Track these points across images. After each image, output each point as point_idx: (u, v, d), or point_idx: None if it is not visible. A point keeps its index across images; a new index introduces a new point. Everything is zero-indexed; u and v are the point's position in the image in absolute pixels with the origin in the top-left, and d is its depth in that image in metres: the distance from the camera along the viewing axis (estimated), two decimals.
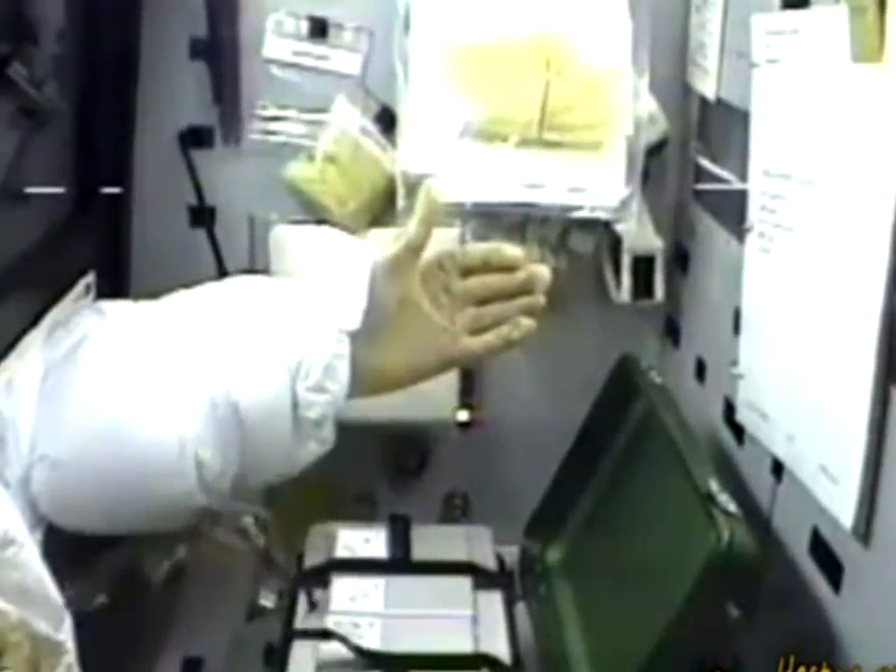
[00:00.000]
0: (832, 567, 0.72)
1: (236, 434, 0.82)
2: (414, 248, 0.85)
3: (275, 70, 1.07)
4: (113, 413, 0.81)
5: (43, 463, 0.79)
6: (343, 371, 0.83)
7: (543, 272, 0.86)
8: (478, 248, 0.88)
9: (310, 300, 0.86)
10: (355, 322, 0.83)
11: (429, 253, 0.86)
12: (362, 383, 0.83)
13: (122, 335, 0.86)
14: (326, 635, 0.85)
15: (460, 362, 0.91)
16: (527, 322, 0.86)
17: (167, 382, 0.82)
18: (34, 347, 0.80)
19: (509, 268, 0.87)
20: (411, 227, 0.85)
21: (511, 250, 0.87)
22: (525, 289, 0.86)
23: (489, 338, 0.87)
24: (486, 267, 0.87)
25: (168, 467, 0.81)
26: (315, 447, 0.84)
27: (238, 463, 0.83)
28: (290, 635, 0.86)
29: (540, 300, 0.87)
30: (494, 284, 0.87)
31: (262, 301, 0.87)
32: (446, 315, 0.87)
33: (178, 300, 0.90)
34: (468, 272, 0.87)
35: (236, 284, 0.92)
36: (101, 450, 0.80)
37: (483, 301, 0.87)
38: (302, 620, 0.89)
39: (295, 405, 0.82)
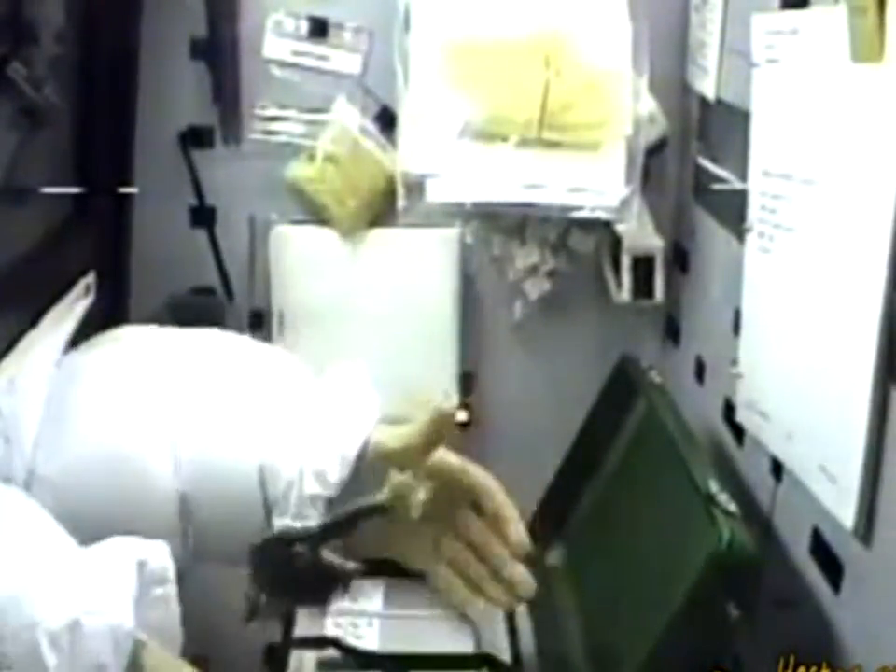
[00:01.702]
0: (832, 568, 0.72)
1: (190, 517, 0.82)
2: (411, 454, 0.83)
3: (275, 70, 1.08)
4: (112, 447, 0.81)
5: (39, 482, 0.79)
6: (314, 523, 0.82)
7: (529, 586, 0.84)
8: (496, 501, 0.85)
9: (300, 435, 0.84)
10: (329, 490, 0.82)
11: (454, 465, 0.85)
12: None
13: (135, 368, 0.85)
14: (323, 643, 0.85)
15: (420, 573, 0.89)
16: (486, 610, 0.86)
17: (166, 428, 0.82)
18: (37, 348, 0.80)
19: (508, 544, 0.85)
20: (414, 431, 0.83)
21: (520, 533, 0.85)
22: (509, 581, 0.85)
23: (459, 589, 0.86)
24: (493, 519, 0.85)
25: (159, 510, 0.81)
26: None
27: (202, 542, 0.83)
28: (289, 642, 0.86)
29: (512, 607, 0.86)
30: (490, 549, 0.85)
31: (266, 407, 0.85)
32: (435, 530, 0.86)
33: (202, 349, 0.89)
34: (476, 505, 0.86)
35: (257, 362, 0.90)
36: (95, 481, 0.80)
37: (471, 545, 0.86)
38: (302, 621, 0.89)
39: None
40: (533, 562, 0.86)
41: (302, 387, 0.88)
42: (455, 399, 0.86)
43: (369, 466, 0.83)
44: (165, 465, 0.81)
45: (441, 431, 0.83)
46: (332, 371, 0.90)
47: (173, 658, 0.66)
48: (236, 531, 0.82)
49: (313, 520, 0.82)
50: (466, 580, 0.86)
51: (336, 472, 0.82)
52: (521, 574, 0.84)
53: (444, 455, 0.85)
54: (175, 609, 0.67)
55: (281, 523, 0.82)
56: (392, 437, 0.84)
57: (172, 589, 0.67)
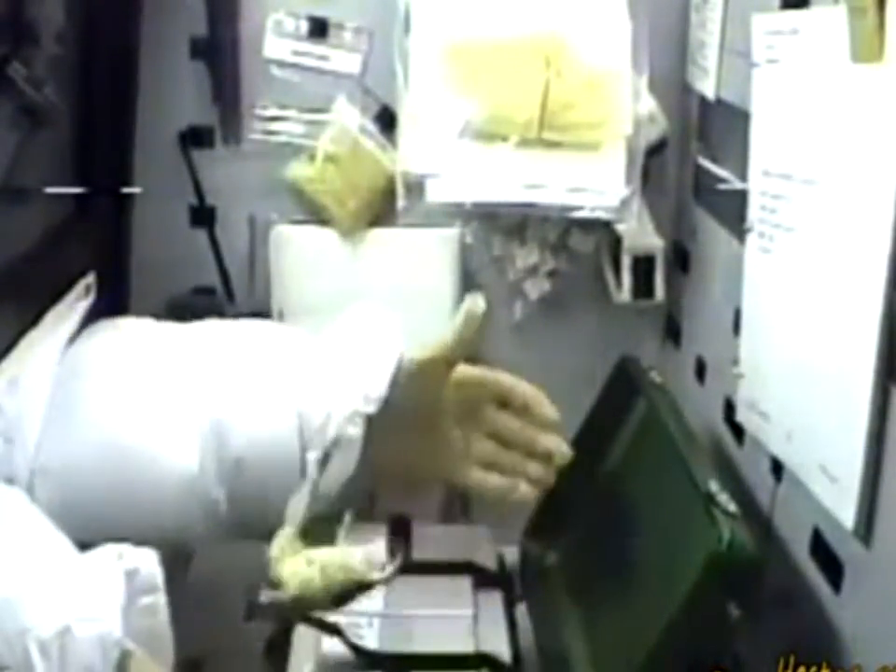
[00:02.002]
0: (832, 567, 0.72)
1: (237, 484, 0.82)
2: (447, 362, 0.85)
3: (275, 70, 1.07)
4: (118, 435, 0.81)
5: (44, 474, 0.79)
6: (353, 456, 0.82)
7: (565, 451, 0.86)
8: (523, 390, 0.87)
9: (331, 367, 0.85)
10: (371, 406, 0.82)
11: (476, 371, 0.86)
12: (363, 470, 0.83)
13: (138, 356, 0.85)
14: (326, 626, 0.85)
15: (455, 486, 0.90)
16: (527, 491, 0.86)
17: (178, 413, 0.82)
18: (38, 347, 0.80)
19: (539, 423, 0.86)
20: (447, 339, 0.84)
21: (550, 410, 0.87)
22: (544, 455, 0.86)
23: (495, 481, 0.86)
24: (522, 409, 0.86)
25: (169, 499, 0.81)
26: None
27: (235, 509, 0.83)
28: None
29: (551, 478, 0.86)
30: (521, 433, 0.86)
31: (286, 357, 0.86)
32: (464, 435, 0.87)
33: (205, 330, 0.89)
34: (503, 403, 0.87)
35: (264, 331, 0.91)
36: (102, 471, 0.80)
37: (501, 440, 0.87)
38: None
39: (302, 471, 0.82)
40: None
41: (318, 334, 0.89)
42: (481, 302, 0.87)
43: (404, 380, 0.84)
44: (190, 444, 0.81)
45: (473, 330, 0.84)
46: (350, 310, 0.91)
47: (160, 668, 0.66)
48: (275, 491, 0.82)
49: (353, 441, 0.82)
50: (500, 471, 0.87)
51: (377, 388, 0.82)
52: (556, 442, 0.86)
53: (466, 368, 0.87)
54: (164, 618, 0.67)
55: (313, 456, 0.82)
56: (425, 348, 0.85)
57: (161, 598, 0.67)
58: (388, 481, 0.90)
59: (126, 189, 1.06)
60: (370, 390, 0.82)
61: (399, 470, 0.88)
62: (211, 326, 0.91)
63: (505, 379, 0.88)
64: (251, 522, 0.84)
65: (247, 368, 0.85)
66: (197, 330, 0.89)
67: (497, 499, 0.88)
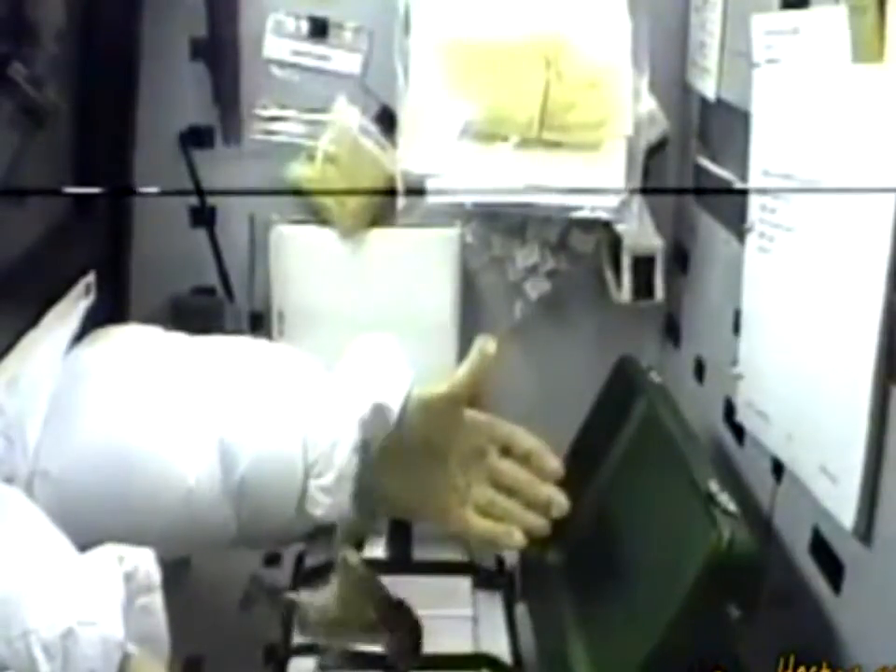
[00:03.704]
0: (832, 567, 0.72)
1: (238, 501, 0.82)
2: (455, 399, 0.85)
3: (275, 70, 1.07)
4: (120, 444, 0.81)
5: (44, 476, 0.79)
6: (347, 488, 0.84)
7: (563, 503, 0.86)
8: (527, 440, 0.89)
9: (340, 396, 0.86)
10: (378, 438, 0.83)
11: (482, 417, 0.88)
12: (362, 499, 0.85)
13: (144, 366, 0.86)
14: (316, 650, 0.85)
15: (450, 529, 0.91)
16: (520, 539, 0.87)
17: (182, 427, 0.82)
18: (38, 347, 0.80)
19: (540, 473, 0.87)
20: (458, 375, 0.85)
21: (554, 462, 0.88)
22: (542, 504, 0.87)
23: (490, 526, 0.87)
24: (523, 458, 0.88)
25: (171, 508, 0.81)
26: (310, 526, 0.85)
27: (236, 523, 0.83)
28: (288, 649, 0.86)
29: (546, 528, 0.87)
30: (521, 482, 0.87)
31: (295, 382, 0.87)
32: (465, 480, 0.87)
33: (213, 345, 0.90)
34: (505, 450, 0.88)
35: (273, 352, 0.92)
36: (101, 478, 0.80)
37: (500, 486, 0.88)
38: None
39: (304, 496, 0.83)
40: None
41: (318, 370, 0.89)
42: (493, 343, 0.87)
43: (412, 415, 0.84)
44: (191, 458, 0.81)
45: (483, 371, 0.85)
46: (360, 341, 0.92)
47: (157, 668, 0.66)
48: (272, 510, 0.83)
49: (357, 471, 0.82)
50: (495, 517, 0.88)
51: (385, 421, 0.83)
52: (554, 493, 0.87)
53: (474, 414, 0.88)
54: (160, 618, 0.68)
55: (317, 485, 0.82)
56: (436, 384, 0.86)
57: (157, 598, 0.67)
58: (388, 513, 0.91)
59: (126, 190, 1.06)
60: (377, 422, 0.83)
61: (399, 507, 0.88)
62: (218, 342, 0.91)
63: (510, 428, 0.89)
64: (249, 537, 0.84)
65: (257, 389, 0.85)
66: (205, 345, 0.89)
67: (489, 544, 0.88)
